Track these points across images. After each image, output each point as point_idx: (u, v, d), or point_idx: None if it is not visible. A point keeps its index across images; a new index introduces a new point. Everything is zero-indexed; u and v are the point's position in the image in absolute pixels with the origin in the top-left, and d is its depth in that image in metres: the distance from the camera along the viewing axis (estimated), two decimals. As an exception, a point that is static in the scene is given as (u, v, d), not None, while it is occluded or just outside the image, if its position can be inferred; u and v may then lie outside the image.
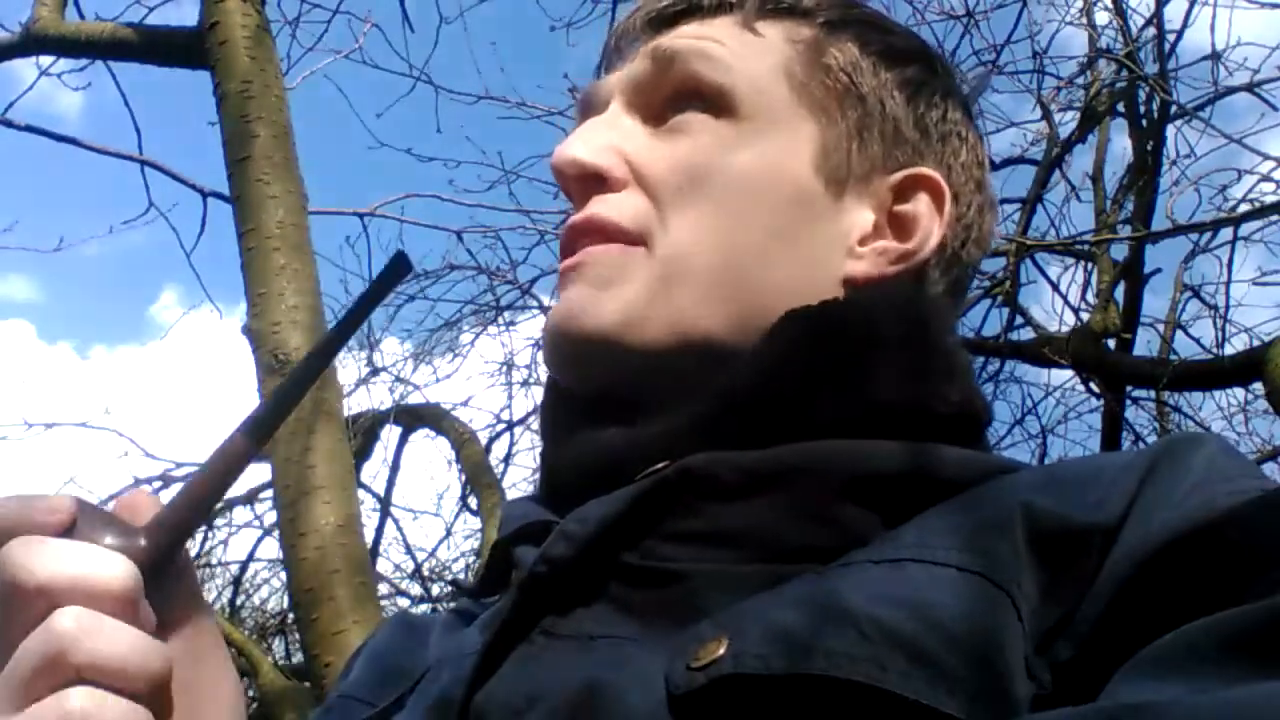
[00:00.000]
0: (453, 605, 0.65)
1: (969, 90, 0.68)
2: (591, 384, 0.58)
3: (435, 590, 5.66)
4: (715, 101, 0.59)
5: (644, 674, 0.44)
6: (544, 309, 4.80)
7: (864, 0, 0.67)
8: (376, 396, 5.11)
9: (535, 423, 5.05)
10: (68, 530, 0.41)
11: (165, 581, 0.44)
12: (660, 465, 0.52)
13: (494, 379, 5.18)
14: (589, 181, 0.59)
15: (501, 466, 4.99)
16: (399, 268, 0.49)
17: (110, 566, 0.41)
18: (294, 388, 0.47)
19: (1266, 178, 3.68)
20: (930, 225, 0.60)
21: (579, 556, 0.50)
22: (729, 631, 0.43)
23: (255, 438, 0.46)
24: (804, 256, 0.58)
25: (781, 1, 0.62)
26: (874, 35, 0.63)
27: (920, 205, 0.60)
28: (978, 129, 0.66)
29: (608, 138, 0.60)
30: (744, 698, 0.41)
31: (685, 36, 0.61)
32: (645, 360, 0.56)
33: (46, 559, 0.40)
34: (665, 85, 0.60)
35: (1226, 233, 3.88)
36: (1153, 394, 4.28)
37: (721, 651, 0.42)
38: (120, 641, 0.40)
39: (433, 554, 5.81)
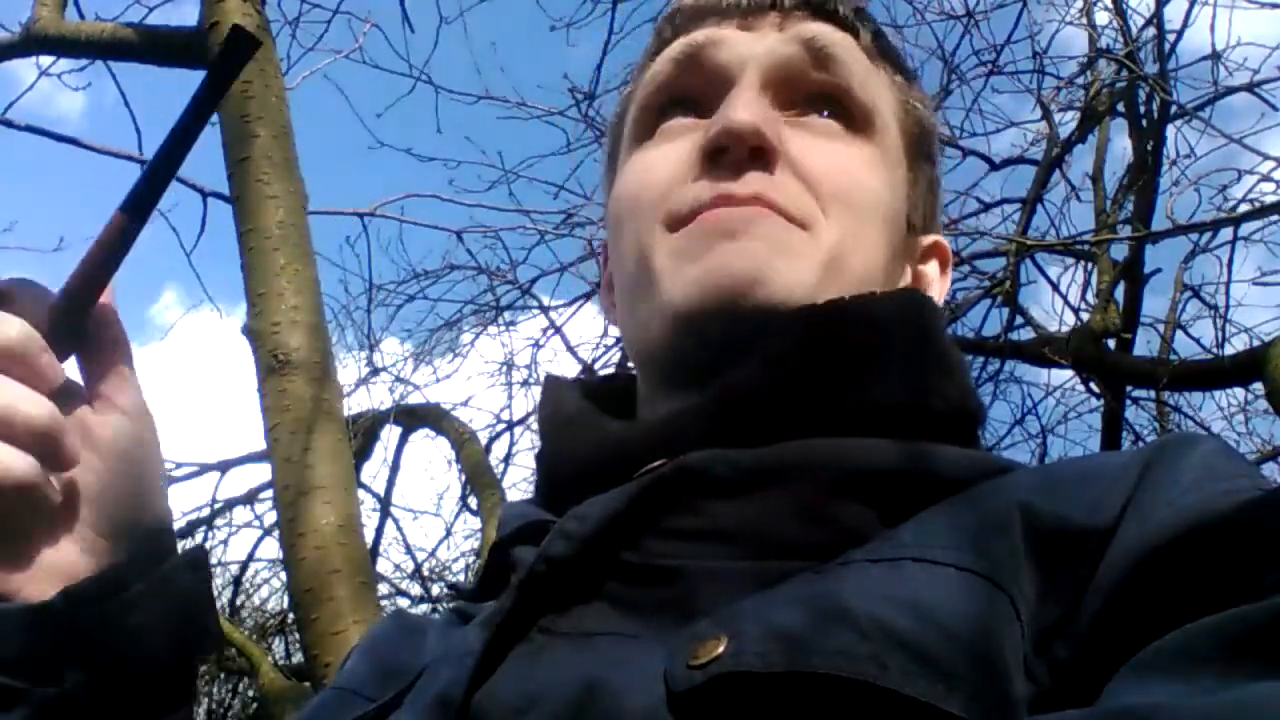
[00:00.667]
0: (451, 606, 0.65)
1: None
2: (715, 337, 0.55)
3: (435, 590, 5.66)
4: (857, 119, 0.61)
5: (643, 672, 0.44)
6: (544, 309, 4.80)
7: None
8: (376, 396, 5.11)
9: (535, 422, 5.04)
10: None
11: (86, 349, 0.51)
12: (658, 463, 0.52)
13: (494, 379, 5.18)
14: (754, 152, 0.57)
15: (501, 466, 4.99)
16: (240, 44, 0.50)
17: (10, 329, 0.47)
18: (161, 161, 0.51)
19: (1266, 178, 3.68)
20: (938, 287, 0.67)
21: (578, 554, 0.50)
22: (729, 630, 0.43)
23: (134, 213, 0.50)
24: (894, 282, 0.63)
25: (889, 49, 0.66)
26: (916, 94, 0.68)
27: (933, 269, 0.67)
28: None
29: (767, 116, 0.58)
30: (743, 696, 0.42)
31: (837, 41, 0.62)
32: (784, 325, 0.55)
33: None
34: (814, 83, 0.61)
35: (1226, 233, 3.89)
36: (1153, 394, 4.28)
37: (721, 650, 0.42)
38: (3, 393, 0.45)
39: (433, 554, 5.82)
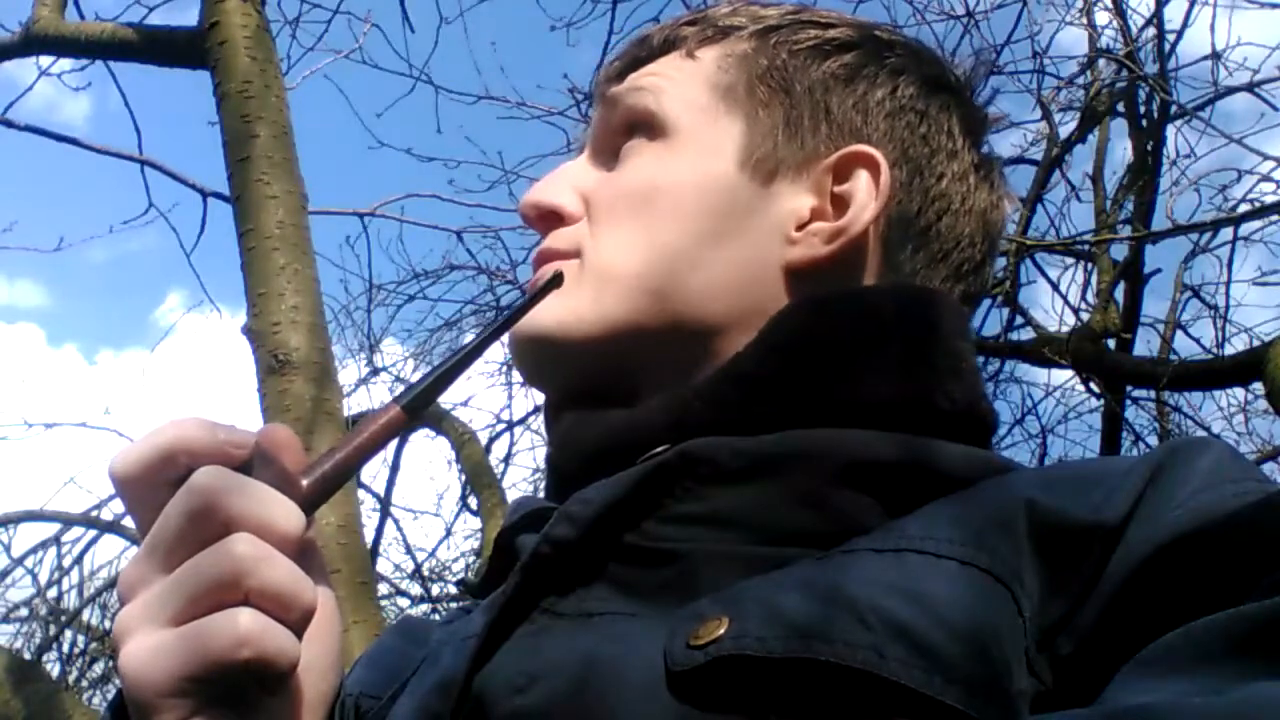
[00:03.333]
0: (459, 604, 0.66)
1: (965, 71, 0.69)
2: (556, 383, 0.63)
3: (435, 590, 5.66)
4: (649, 126, 0.63)
5: (643, 650, 0.44)
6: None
7: (810, 3, 0.70)
8: (376, 396, 5.11)
9: (535, 422, 5.06)
10: (245, 465, 0.45)
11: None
12: (661, 449, 0.53)
13: (494, 379, 5.19)
14: (549, 219, 0.64)
15: (501, 466, 5.00)
16: (554, 283, 0.59)
17: (287, 510, 0.44)
18: (456, 365, 0.51)
19: (1266, 178, 3.69)
20: (866, 200, 0.60)
21: (581, 537, 0.50)
22: (730, 611, 0.44)
23: (411, 410, 0.49)
24: (738, 251, 0.60)
25: (717, 25, 0.66)
26: (807, 32, 0.65)
27: (859, 183, 0.61)
28: (950, 103, 0.66)
29: (568, 179, 0.65)
30: (742, 678, 0.42)
31: (630, 79, 0.66)
32: (586, 354, 0.60)
33: (236, 496, 0.43)
34: (614, 126, 0.65)
35: (1226, 233, 3.89)
36: (1153, 394, 4.28)
37: (722, 631, 0.43)
38: (287, 572, 0.42)
39: (433, 554, 5.82)
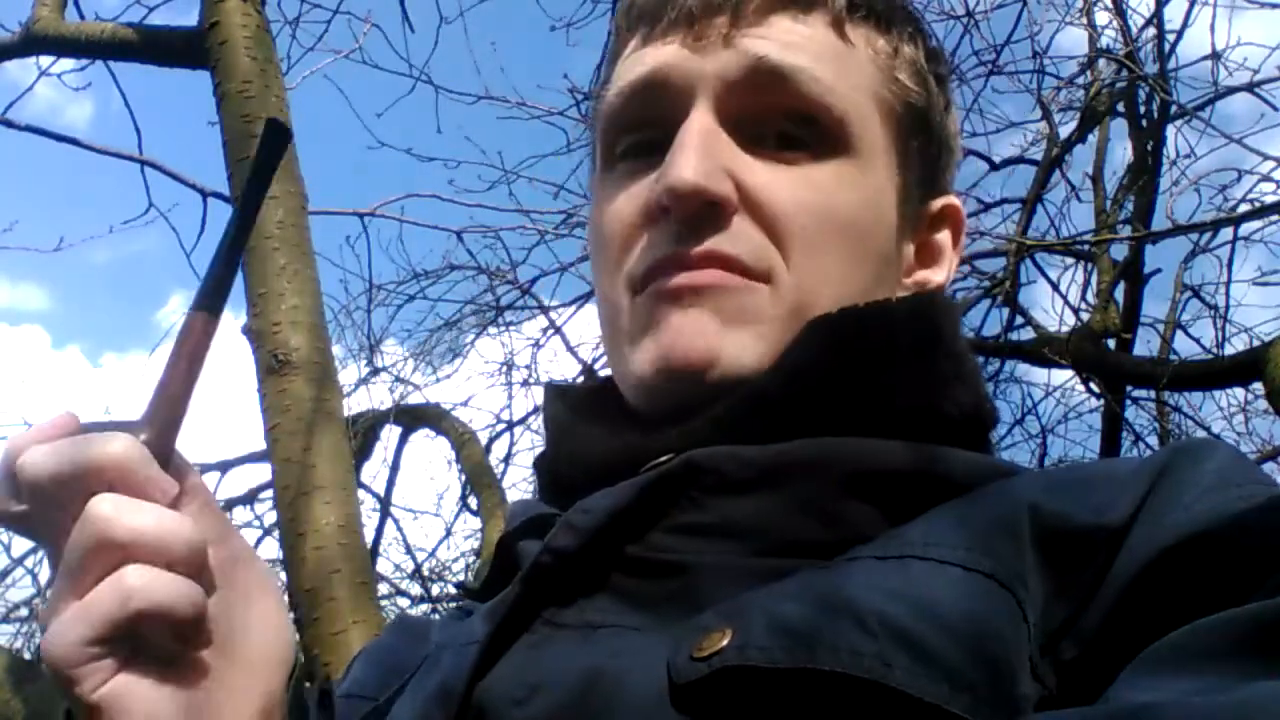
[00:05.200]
0: (457, 605, 0.65)
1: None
2: (677, 404, 0.55)
3: (435, 590, 5.65)
4: (826, 134, 0.56)
5: (646, 662, 0.44)
6: (544, 309, 4.80)
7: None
8: (376, 396, 5.11)
9: (535, 423, 5.05)
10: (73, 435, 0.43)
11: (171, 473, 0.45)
12: (665, 458, 0.52)
13: (494, 379, 5.18)
14: (705, 212, 0.55)
15: (501, 466, 4.99)
16: (276, 136, 0.49)
17: (116, 443, 0.41)
18: (226, 253, 0.48)
19: (1266, 178, 3.68)
20: (952, 257, 0.62)
21: (584, 547, 0.50)
22: (733, 623, 0.43)
23: (211, 309, 0.47)
24: (881, 293, 0.58)
25: (870, 7, 0.60)
26: (925, 44, 0.62)
27: (945, 235, 0.62)
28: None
29: (717, 159, 0.55)
30: (746, 689, 0.42)
31: (789, 46, 0.57)
32: (736, 391, 0.54)
33: (62, 452, 0.41)
34: (771, 103, 0.56)
35: (1226, 233, 3.89)
36: (1153, 394, 4.28)
37: (725, 642, 0.42)
38: (151, 514, 0.41)
39: (433, 554, 5.81)
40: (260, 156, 0.49)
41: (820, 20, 0.58)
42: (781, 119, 0.56)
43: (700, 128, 0.56)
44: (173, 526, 0.41)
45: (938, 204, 0.62)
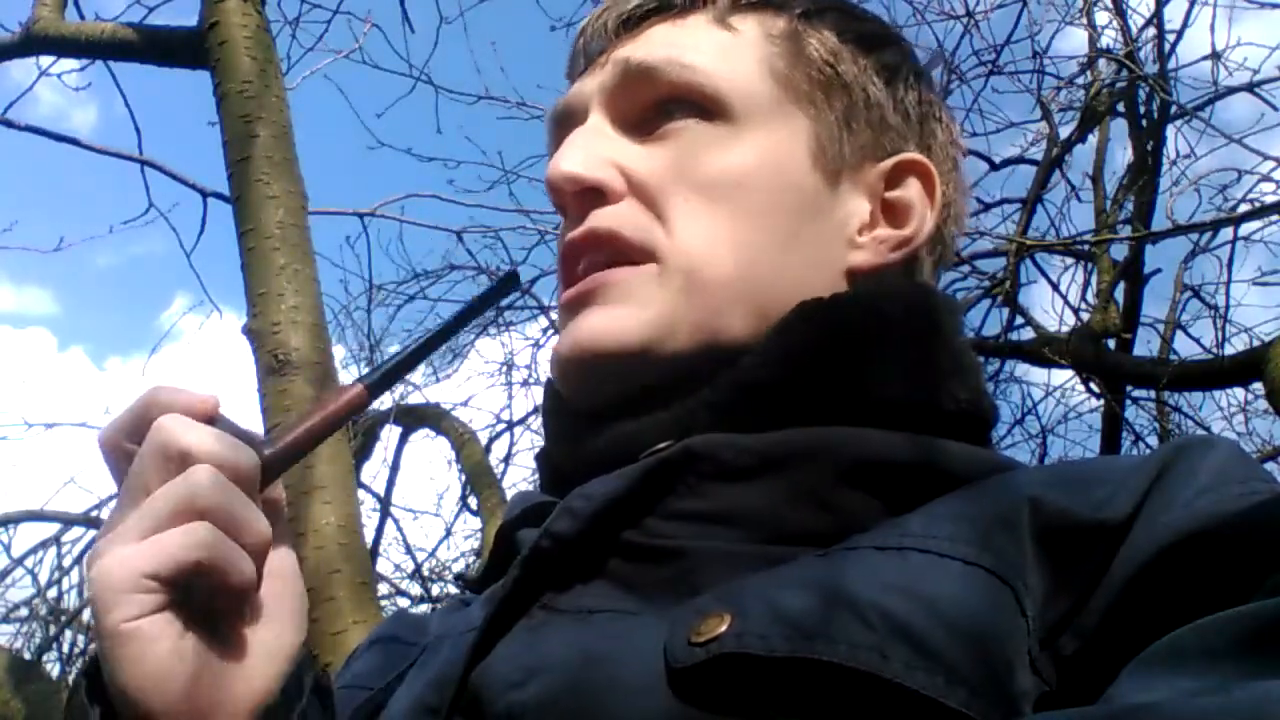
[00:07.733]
0: (456, 596, 0.65)
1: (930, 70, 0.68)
2: (604, 399, 0.57)
3: (435, 590, 5.66)
4: (705, 106, 0.58)
5: (642, 647, 0.44)
6: (544, 309, 4.80)
7: None
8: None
9: (535, 423, 5.05)
10: (210, 421, 0.47)
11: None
12: (664, 445, 0.52)
13: (494, 379, 5.19)
14: (586, 196, 0.58)
15: (501, 466, 4.99)
16: (508, 283, 0.56)
17: (242, 452, 0.46)
18: (422, 348, 0.53)
19: (1266, 178, 3.69)
20: (924, 210, 0.61)
21: (582, 532, 0.50)
22: (732, 608, 0.44)
23: (374, 388, 0.51)
24: (810, 252, 0.58)
25: None
26: (848, 22, 0.64)
27: (911, 191, 0.61)
28: (948, 108, 0.67)
29: (599, 150, 0.59)
30: (743, 675, 0.42)
31: (659, 45, 0.60)
32: (667, 369, 0.56)
33: (193, 433, 0.45)
34: (646, 97, 0.60)
35: (1226, 233, 3.89)
36: (1153, 394, 4.28)
37: (724, 628, 0.43)
38: (241, 502, 0.45)
39: (433, 554, 5.82)
40: (487, 293, 0.55)
41: (700, 19, 0.62)
42: (657, 107, 0.59)
43: (584, 128, 0.60)
44: (251, 515, 0.45)
45: (888, 162, 0.61)
